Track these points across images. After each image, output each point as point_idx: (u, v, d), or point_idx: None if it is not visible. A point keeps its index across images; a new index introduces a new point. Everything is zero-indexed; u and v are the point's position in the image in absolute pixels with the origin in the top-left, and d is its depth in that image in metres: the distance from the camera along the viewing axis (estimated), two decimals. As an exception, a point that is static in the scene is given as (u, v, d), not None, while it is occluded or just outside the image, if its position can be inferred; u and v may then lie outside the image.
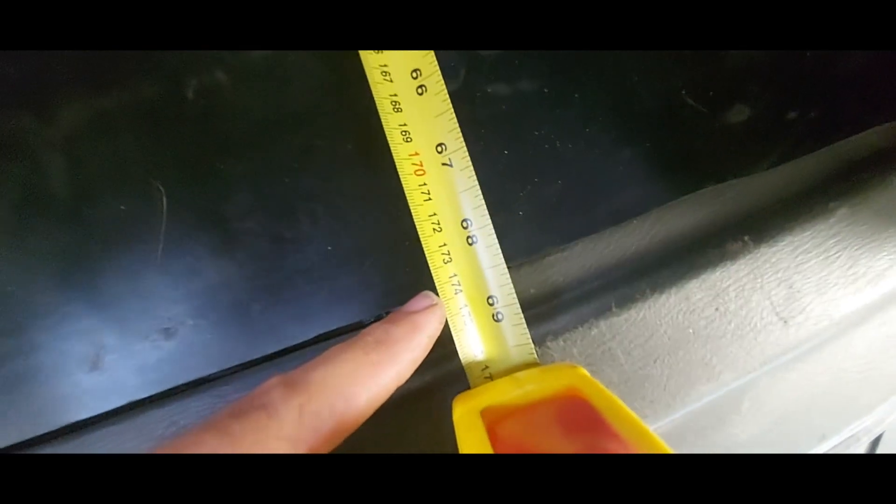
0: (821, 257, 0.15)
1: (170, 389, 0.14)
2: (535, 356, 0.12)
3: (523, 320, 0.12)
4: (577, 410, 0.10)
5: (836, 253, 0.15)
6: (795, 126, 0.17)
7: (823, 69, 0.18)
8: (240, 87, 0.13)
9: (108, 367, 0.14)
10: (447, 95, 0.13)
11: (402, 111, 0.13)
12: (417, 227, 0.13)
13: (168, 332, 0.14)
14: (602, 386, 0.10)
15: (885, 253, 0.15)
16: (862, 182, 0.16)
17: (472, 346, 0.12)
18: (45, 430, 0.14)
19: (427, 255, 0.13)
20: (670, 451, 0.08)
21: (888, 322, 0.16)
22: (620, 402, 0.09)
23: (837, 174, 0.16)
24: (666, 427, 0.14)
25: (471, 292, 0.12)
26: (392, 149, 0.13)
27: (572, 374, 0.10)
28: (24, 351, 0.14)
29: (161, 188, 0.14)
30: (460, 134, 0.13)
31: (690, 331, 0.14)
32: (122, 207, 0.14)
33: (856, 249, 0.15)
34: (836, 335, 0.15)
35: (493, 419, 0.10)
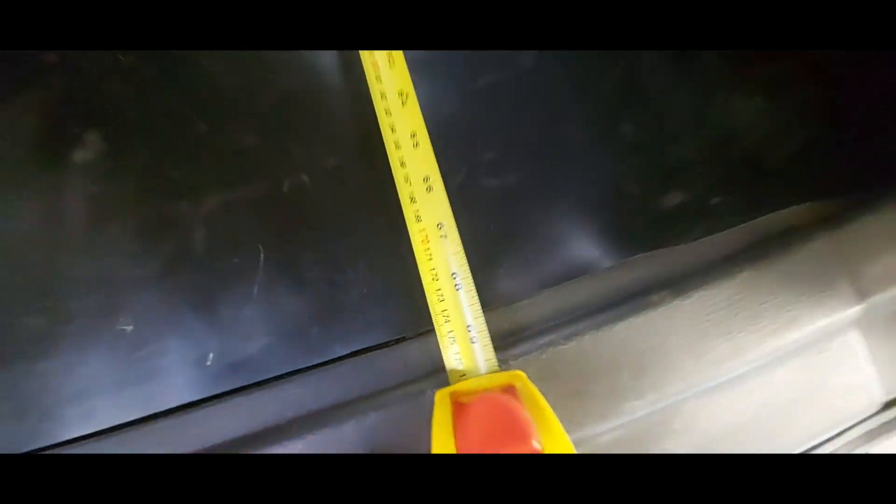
0: (729, 310, 0.19)
1: (256, 383, 0.20)
2: (498, 368, 0.18)
3: (491, 344, 0.18)
4: (510, 391, 0.15)
5: (742, 307, 0.19)
6: (719, 208, 0.22)
7: (748, 161, 0.24)
8: (317, 187, 0.21)
9: (213, 365, 0.21)
10: (445, 192, 0.19)
11: (416, 202, 0.20)
12: (422, 277, 0.19)
13: (256, 344, 0.21)
14: (530, 382, 0.15)
15: (787, 309, 0.19)
16: (770, 252, 0.21)
17: (454, 360, 0.18)
18: (173, 405, 0.21)
19: (427, 296, 0.19)
20: (564, 434, 0.13)
21: (798, 369, 0.20)
22: (538, 392, 0.14)
23: (750, 245, 0.21)
24: (606, 437, 0.19)
25: (455, 322, 0.18)
26: (408, 226, 0.20)
27: (514, 375, 0.16)
28: (160, 353, 0.22)
29: (261, 248, 0.22)
30: (453, 218, 0.19)
31: (622, 360, 0.19)
32: (236, 260, 0.22)
33: (759, 304, 0.19)
34: (748, 373, 0.19)
35: (458, 396, 0.15)
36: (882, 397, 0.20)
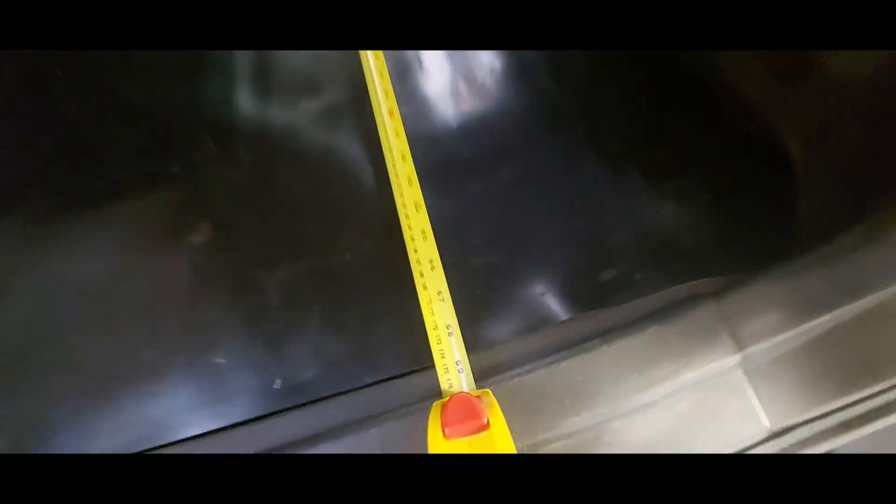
0: (642, 354, 0.27)
1: (309, 401, 0.29)
2: (475, 388, 0.26)
3: (471, 374, 0.26)
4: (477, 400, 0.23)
5: (651, 352, 0.27)
6: (640, 281, 0.31)
7: (663, 247, 0.33)
8: (356, 263, 0.31)
9: (280, 388, 0.30)
10: (443, 270, 0.29)
11: (423, 277, 0.29)
12: (426, 327, 0.28)
13: (311, 372, 0.30)
14: (492, 395, 0.23)
15: (684, 355, 0.27)
16: (673, 313, 0.29)
17: (446, 383, 0.26)
18: (249, 417, 0.29)
19: (430, 340, 0.28)
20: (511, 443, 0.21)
21: (696, 400, 0.28)
22: (496, 402, 0.23)
23: (659, 308, 0.29)
24: (553, 445, 0.26)
25: (448, 358, 0.27)
26: (418, 293, 0.29)
27: (484, 391, 0.24)
28: (242, 379, 0.30)
29: (316, 305, 0.31)
30: (448, 288, 0.28)
31: (566, 388, 0.27)
32: (297, 313, 0.31)
33: (665, 350, 0.27)
34: (657, 401, 0.27)
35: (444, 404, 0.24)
36: (768, 425, 0.28)
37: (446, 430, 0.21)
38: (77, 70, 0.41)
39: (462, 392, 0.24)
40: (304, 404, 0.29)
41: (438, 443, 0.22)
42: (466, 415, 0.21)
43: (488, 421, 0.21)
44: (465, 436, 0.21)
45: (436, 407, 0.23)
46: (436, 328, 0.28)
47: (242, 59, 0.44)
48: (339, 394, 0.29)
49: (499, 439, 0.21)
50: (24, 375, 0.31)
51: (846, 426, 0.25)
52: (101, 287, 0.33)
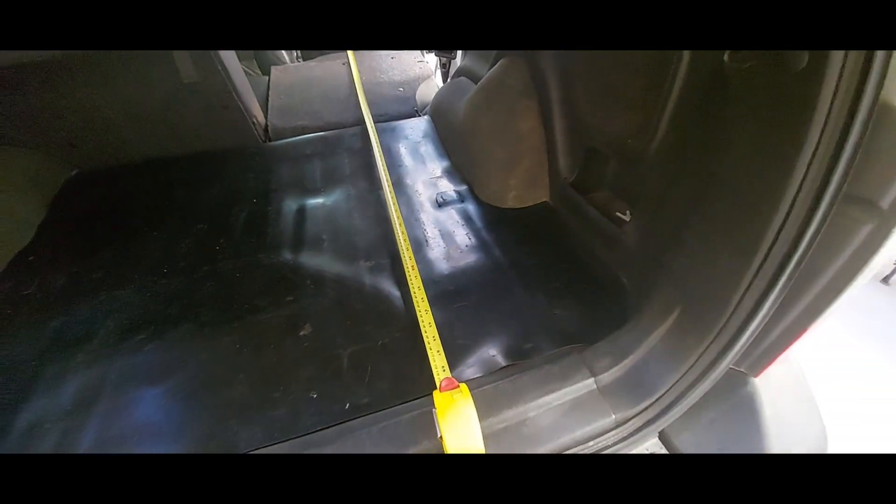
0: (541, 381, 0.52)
1: (363, 414, 0.52)
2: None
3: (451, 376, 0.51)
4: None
5: (543, 380, 0.52)
6: (533, 350, 0.58)
7: (551, 331, 0.60)
8: (392, 343, 0.58)
9: (347, 408, 0.53)
10: (440, 343, 0.56)
11: (431, 350, 0.56)
12: (434, 372, 0.53)
13: (360, 401, 0.53)
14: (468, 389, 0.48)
15: (559, 378, 0.52)
16: (558, 360, 0.55)
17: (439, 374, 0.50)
18: (304, 433, 0.52)
19: (434, 374, 0.53)
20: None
21: (569, 405, 0.51)
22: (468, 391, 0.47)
23: (552, 358, 0.55)
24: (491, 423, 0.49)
25: (442, 374, 0.51)
26: (428, 354, 0.55)
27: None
28: (317, 403, 0.54)
29: (368, 368, 0.57)
30: (443, 352, 0.55)
31: (500, 397, 0.51)
32: (347, 379, 0.57)
33: (549, 377, 0.52)
34: (550, 407, 0.50)
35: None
36: (614, 418, 0.51)
37: (442, 384, 0.45)
38: (233, 243, 0.76)
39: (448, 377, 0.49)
40: (355, 418, 0.52)
41: (437, 395, 0.45)
42: (451, 384, 0.46)
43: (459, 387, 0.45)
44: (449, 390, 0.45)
45: (436, 392, 0.47)
46: (440, 369, 0.53)
47: (328, 242, 0.80)
48: (377, 411, 0.52)
49: (464, 396, 0.45)
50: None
51: (662, 412, 0.48)
52: (250, 357, 0.60)
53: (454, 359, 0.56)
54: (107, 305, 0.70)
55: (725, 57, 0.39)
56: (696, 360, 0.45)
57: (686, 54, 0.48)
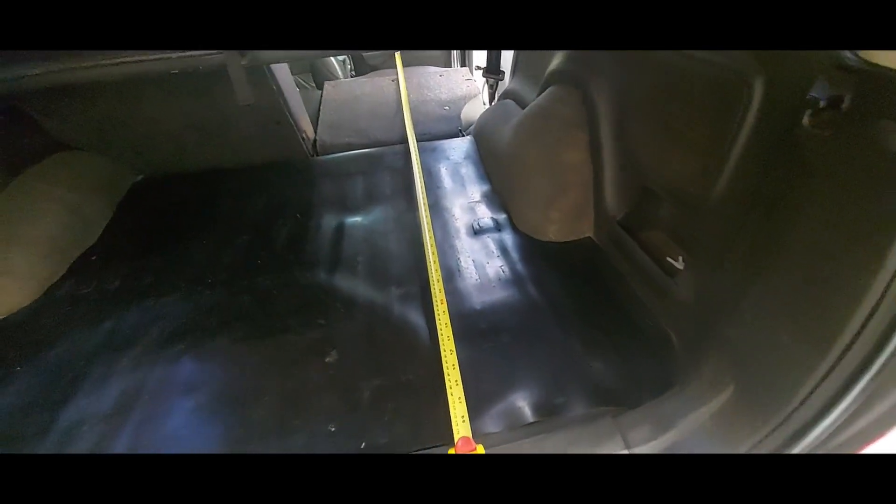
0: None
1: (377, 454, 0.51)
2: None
3: (470, 432, 0.48)
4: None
5: (581, 438, 0.48)
6: (573, 405, 0.54)
7: (585, 386, 0.56)
8: (415, 378, 0.57)
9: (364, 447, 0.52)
10: (462, 387, 0.53)
11: (453, 395, 0.53)
12: (453, 420, 0.51)
13: (378, 442, 0.52)
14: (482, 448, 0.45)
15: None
16: (588, 420, 0.50)
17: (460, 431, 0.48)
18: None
19: (453, 423, 0.50)
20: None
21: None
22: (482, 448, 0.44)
23: (582, 417, 0.51)
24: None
25: (461, 428, 0.49)
26: (448, 396, 0.53)
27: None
28: (336, 437, 0.53)
29: (390, 406, 0.56)
30: (464, 398, 0.53)
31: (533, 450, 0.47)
32: (371, 415, 0.56)
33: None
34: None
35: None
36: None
37: (459, 443, 0.43)
38: (273, 258, 0.78)
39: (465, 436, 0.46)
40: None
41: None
42: (467, 445, 0.43)
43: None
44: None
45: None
46: (460, 419, 0.51)
47: (363, 264, 0.80)
48: (392, 454, 0.51)
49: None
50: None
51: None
52: (276, 378, 0.60)
53: (476, 406, 0.53)
54: (153, 312, 0.74)
55: (805, 120, 0.34)
56: (750, 451, 0.40)
57: (756, 100, 0.43)
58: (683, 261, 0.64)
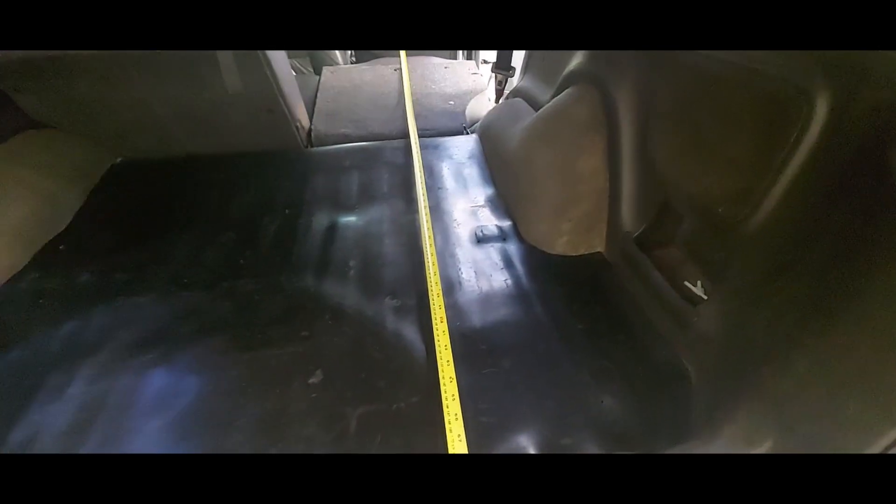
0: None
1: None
2: None
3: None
4: None
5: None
6: (577, 447, 0.48)
7: (594, 422, 0.51)
8: (425, 403, 0.51)
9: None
10: (462, 421, 0.48)
11: (452, 431, 0.48)
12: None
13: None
14: None
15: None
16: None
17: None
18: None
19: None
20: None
21: None
22: None
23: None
24: None
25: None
26: (447, 439, 0.47)
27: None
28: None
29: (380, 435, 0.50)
30: (464, 433, 0.47)
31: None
32: (380, 440, 0.50)
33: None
34: None
35: None
36: None
37: None
38: (258, 259, 0.71)
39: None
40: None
41: None
42: None
43: None
44: None
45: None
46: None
47: (355, 270, 0.74)
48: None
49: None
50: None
51: None
52: (254, 398, 0.54)
53: (476, 442, 0.48)
54: (123, 314, 0.67)
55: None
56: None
57: (820, 117, 0.37)
58: (703, 287, 0.58)
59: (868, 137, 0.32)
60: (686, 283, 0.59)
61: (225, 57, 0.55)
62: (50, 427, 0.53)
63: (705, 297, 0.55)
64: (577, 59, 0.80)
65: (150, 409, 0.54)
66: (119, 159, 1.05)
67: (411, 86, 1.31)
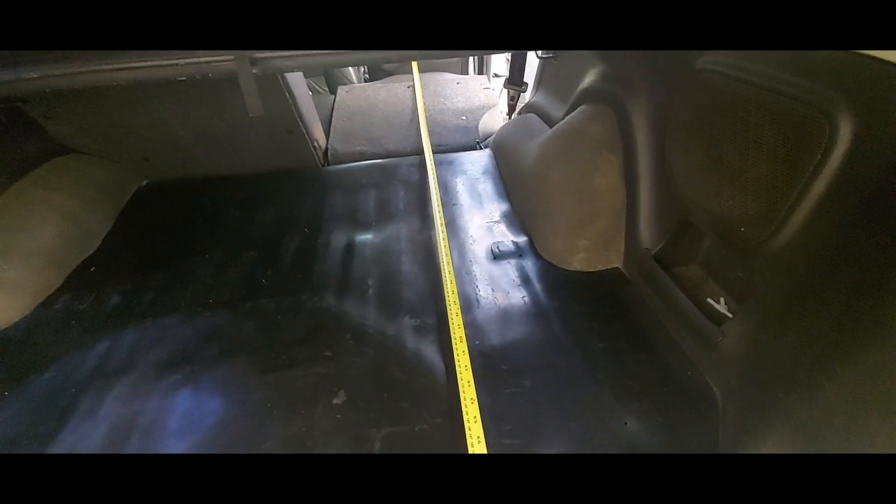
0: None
1: None
2: None
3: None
4: None
5: None
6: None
7: (618, 445, 0.50)
8: (440, 427, 0.51)
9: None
10: (486, 446, 0.48)
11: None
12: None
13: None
14: None
15: None
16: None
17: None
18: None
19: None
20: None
21: None
22: None
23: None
24: None
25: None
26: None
27: None
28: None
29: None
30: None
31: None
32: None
33: None
34: None
35: None
36: None
37: None
38: (280, 278, 0.73)
39: None
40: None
41: None
42: None
43: None
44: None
45: None
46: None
47: (374, 289, 0.75)
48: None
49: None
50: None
51: None
52: (279, 420, 0.55)
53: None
54: (151, 334, 0.69)
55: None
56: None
57: (844, 141, 0.37)
58: (726, 304, 0.58)
59: (894, 161, 0.32)
60: (709, 300, 0.59)
61: (246, 81, 0.57)
62: (83, 447, 0.54)
63: (730, 315, 0.54)
64: (590, 76, 0.81)
65: (179, 432, 0.56)
66: (145, 182, 1.08)
67: (424, 102, 1.33)
